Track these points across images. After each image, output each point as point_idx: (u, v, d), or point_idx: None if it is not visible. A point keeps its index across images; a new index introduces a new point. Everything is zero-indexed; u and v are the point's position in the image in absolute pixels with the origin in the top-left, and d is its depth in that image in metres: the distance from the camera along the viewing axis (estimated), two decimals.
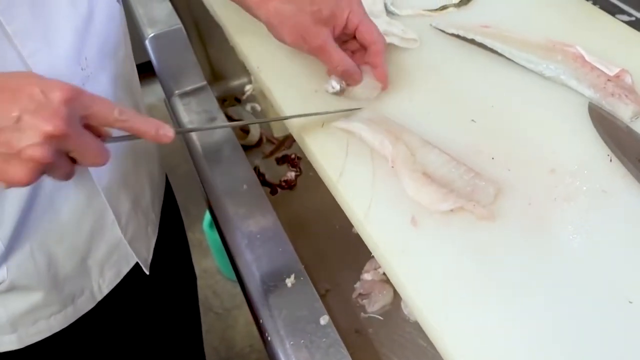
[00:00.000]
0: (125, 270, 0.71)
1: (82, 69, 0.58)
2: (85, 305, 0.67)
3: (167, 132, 0.48)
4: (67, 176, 0.46)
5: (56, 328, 0.65)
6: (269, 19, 0.64)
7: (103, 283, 0.68)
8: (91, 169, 0.60)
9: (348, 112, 0.65)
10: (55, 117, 0.42)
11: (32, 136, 0.41)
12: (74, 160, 0.46)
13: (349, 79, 0.65)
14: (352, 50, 0.68)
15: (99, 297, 0.69)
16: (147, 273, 0.74)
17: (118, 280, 0.70)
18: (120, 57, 0.67)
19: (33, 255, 0.60)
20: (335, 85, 0.65)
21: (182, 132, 0.54)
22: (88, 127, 0.46)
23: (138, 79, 0.74)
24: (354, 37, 0.66)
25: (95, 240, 0.66)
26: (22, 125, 0.41)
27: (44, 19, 0.54)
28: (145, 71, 0.91)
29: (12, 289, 0.60)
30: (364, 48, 0.66)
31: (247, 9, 0.67)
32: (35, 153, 0.42)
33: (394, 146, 0.57)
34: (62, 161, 0.45)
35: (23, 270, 0.60)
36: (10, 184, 0.44)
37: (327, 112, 0.64)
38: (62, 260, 0.63)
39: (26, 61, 0.52)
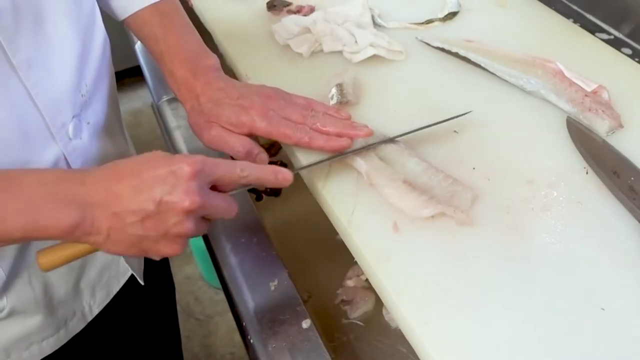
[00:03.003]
0: (116, 289, 0.71)
1: (82, 95, 0.58)
2: (76, 326, 0.67)
3: (285, 175, 0.53)
4: (204, 232, 0.50)
5: (47, 351, 0.64)
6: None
7: (94, 304, 0.69)
8: None
9: None
10: (189, 193, 0.45)
11: (174, 216, 0.45)
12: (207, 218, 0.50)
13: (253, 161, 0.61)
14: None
15: (90, 318, 0.69)
16: (142, 284, 0.74)
17: (108, 300, 0.71)
18: (111, 76, 0.67)
19: (31, 282, 0.60)
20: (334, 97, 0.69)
21: (299, 171, 0.58)
22: (214, 186, 0.50)
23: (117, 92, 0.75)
24: None
25: (88, 261, 0.66)
26: (162, 208, 0.45)
27: (47, 48, 0.53)
28: (132, 75, 0.91)
29: (10, 315, 0.60)
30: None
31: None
32: (181, 230, 0.46)
33: (366, 161, 0.58)
34: (199, 224, 0.48)
35: (22, 297, 0.60)
36: (162, 257, 0.48)
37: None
38: (57, 284, 0.63)
39: (30, 92, 0.52)
